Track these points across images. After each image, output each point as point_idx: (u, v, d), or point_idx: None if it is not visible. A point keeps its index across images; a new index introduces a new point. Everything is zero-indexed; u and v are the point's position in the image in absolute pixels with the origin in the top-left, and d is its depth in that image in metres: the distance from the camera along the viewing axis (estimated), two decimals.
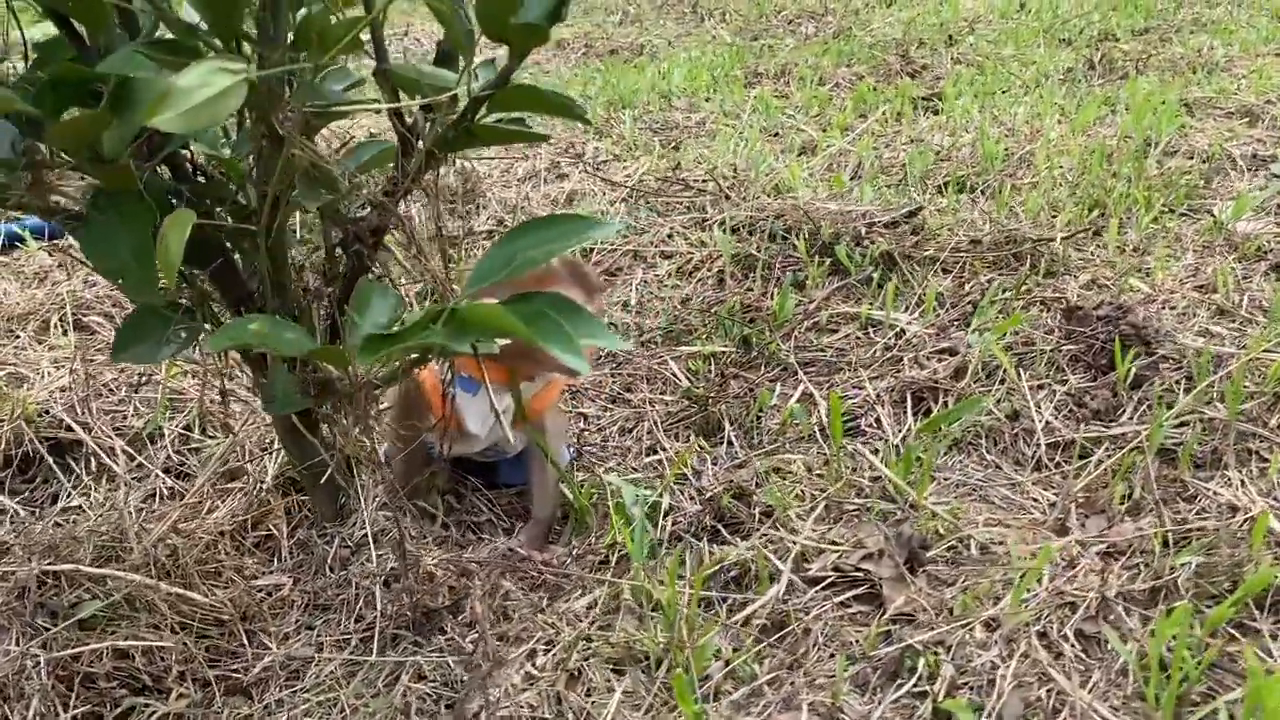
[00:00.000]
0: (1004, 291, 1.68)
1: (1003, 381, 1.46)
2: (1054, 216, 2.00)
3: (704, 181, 2.26)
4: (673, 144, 2.74)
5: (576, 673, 1.05)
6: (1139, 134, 2.38)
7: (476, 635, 1.06)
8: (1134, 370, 1.41)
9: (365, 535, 1.28)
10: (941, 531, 1.19)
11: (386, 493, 1.35)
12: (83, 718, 1.05)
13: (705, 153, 2.57)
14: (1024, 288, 1.67)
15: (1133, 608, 1.03)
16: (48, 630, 1.10)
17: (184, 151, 1.08)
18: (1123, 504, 1.21)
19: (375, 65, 0.96)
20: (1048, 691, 0.94)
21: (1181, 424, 1.34)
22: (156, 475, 1.46)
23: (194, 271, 1.07)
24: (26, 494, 1.46)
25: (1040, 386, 1.45)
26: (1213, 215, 2.00)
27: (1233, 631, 0.99)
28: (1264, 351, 1.41)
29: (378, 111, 1.00)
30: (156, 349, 1.04)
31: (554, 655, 1.06)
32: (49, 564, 1.14)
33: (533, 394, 1.30)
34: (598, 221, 0.89)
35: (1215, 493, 1.21)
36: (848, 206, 1.98)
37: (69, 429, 1.51)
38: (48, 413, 1.54)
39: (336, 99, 1.00)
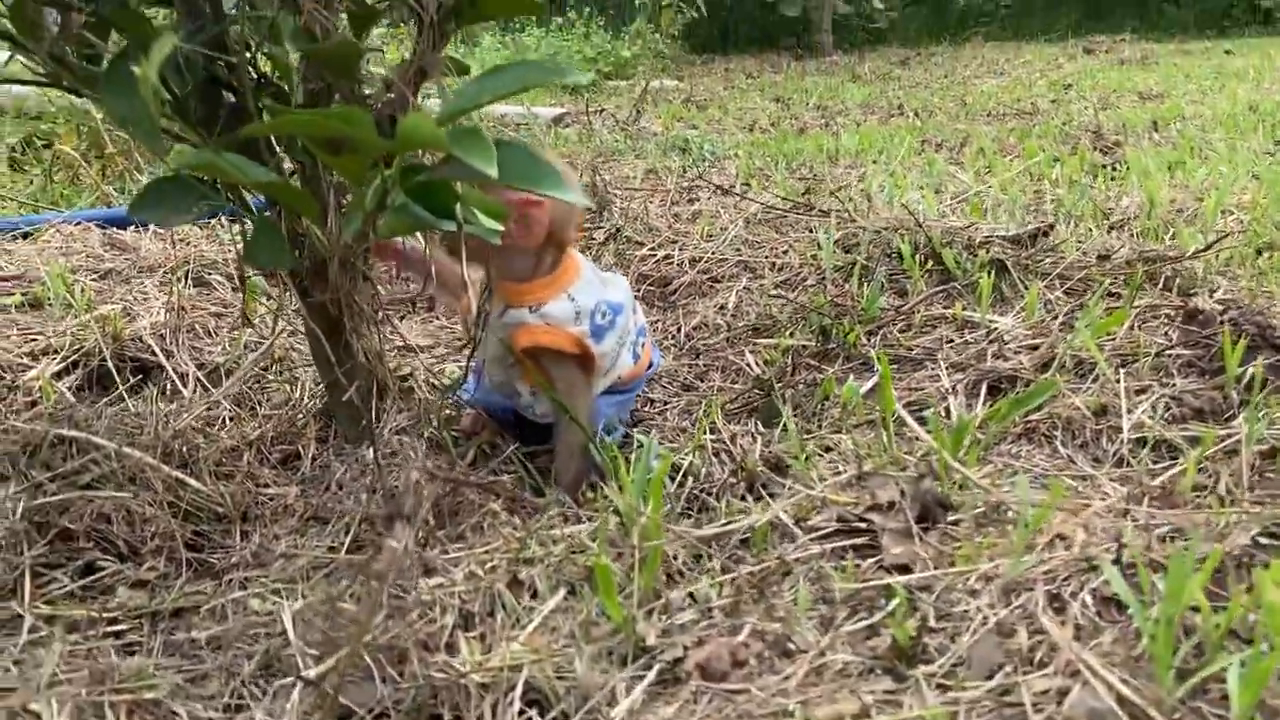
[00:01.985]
0: (1118, 300, 1.50)
1: (1096, 380, 1.29)
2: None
3: (833, 207, 2.18)
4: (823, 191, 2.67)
5: (526, 581, 0.97)
6: None
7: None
8: (1256, 373, 1.21)
9: (378, 456, 1.25)
10: (979, 505, 1.04)
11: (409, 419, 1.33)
12: (46, 563, 1.05)
13: (848, 185, 2.48)
14: (1138, 297, 1.48)
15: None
16: (41, 485, 1.12)
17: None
18: (1203, 495, 1.02)
19: None
20: (1036, 641, 0.78)
21: None
22: (220, 404, 1.49)
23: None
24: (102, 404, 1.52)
25: (1141, 390, 1.27)
26: None
27: None
28: None
29: None
30: (172, 214, 1.06)
31: (507, 561, 0.98)
32: (61, 429, 1.17)
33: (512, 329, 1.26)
34: (563, 69, 0.86)
35: None
36: (970, 223, 1.85)
37: (153, 354, 1.58)
38: (140, 339, 1.61)
39: None
